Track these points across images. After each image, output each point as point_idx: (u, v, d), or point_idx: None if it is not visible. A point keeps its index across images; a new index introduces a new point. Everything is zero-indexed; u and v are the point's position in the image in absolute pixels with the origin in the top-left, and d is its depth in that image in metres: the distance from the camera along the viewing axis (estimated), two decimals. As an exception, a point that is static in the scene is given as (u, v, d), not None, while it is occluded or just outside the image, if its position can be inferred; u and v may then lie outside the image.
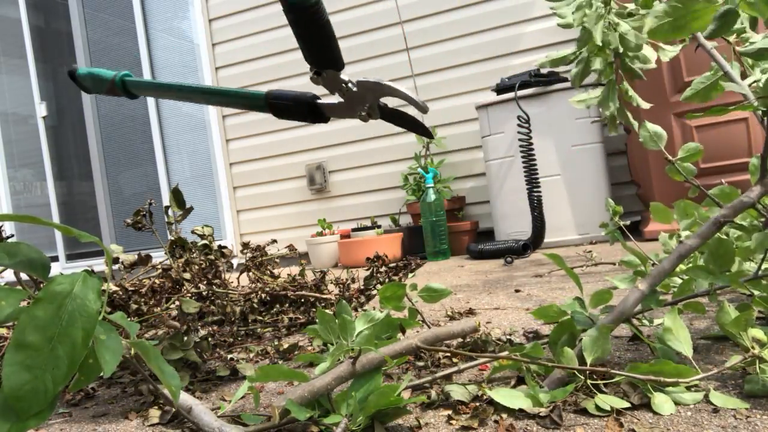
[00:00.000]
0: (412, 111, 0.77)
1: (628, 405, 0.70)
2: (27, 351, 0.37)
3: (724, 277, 0.78)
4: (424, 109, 0.74)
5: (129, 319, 1.18)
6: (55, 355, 0.37)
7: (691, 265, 0.85)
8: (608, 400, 0.69)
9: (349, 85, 0.73)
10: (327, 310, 0.90)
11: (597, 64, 1.17)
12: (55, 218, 4.61)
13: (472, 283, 1.96)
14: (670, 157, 0.94)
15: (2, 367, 0.38)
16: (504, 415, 0.71)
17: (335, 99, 0.76)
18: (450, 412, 0.74)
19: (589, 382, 0.74)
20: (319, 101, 0.77)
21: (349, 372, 0.71)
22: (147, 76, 4.29)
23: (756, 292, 0.89)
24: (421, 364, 0.96)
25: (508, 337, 1.09)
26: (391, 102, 0.71)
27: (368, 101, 0.74)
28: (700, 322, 1.06)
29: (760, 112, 0.85)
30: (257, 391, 0.76)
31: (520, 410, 0.72)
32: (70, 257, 4.67)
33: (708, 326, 1.03)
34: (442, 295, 1.03)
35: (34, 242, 0.49)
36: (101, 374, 0.42)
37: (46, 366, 0.37)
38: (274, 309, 1.44)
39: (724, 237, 0.86)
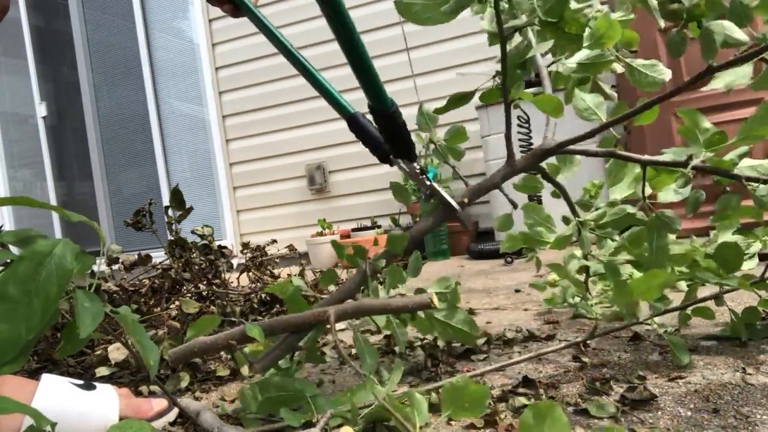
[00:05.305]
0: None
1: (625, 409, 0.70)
2: (6, 303, 0.40)
3: (733, 279, 0.77)
4: (456, 210, 0.95)
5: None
6: (31, 308, 0.41)
7: (696, 266, 0.84)
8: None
9: (418, 172, 0.92)
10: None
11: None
12: (55, 218, 4.61)
13: (472, 284, 1.96)
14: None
15: None
16: (504, 415, 0.71)
17: (406, 166, 0.92)
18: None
19: (585, 381, 0.74)
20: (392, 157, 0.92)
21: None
22: (147, 76, 4.29)
23: (763, 294, 0.89)
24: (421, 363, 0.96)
25: (505, 337, 1.09)
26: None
27: (429, 189, 0.95)
28: (703, 323, 1.06)
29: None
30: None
31: (522, 409, 0.72)
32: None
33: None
34: None
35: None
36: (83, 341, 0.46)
37: (22, 317, 0.41)
38: (274, 309, 1.44)
39: (731, 241, 0.85)
